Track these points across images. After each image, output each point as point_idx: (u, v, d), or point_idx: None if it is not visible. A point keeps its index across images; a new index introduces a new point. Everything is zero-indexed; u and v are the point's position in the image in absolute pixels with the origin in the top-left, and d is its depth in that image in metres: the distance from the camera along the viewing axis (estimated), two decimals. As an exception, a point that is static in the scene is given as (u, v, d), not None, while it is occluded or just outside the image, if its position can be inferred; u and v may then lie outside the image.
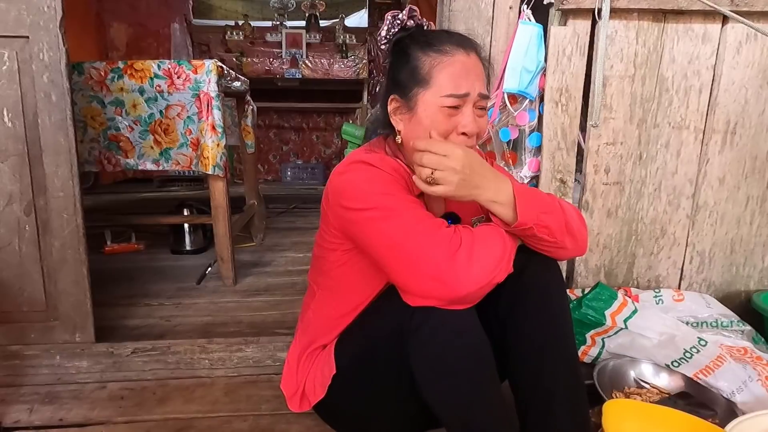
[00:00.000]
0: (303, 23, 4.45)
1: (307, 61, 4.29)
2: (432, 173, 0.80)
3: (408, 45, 0.91)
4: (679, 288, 1.49)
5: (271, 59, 4.29)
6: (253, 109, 2.37)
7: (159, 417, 1.14)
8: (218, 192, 1.81)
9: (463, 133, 0.87)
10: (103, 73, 1.68)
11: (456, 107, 0.86)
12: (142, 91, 1.71)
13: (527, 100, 1.36)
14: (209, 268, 2.02)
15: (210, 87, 1.71)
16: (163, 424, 1.12)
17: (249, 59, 4.25)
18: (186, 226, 2.26)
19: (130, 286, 1.85)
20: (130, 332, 1.48)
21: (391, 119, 0.93)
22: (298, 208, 3.29)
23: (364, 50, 4.47)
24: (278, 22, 4.45)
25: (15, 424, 1.11)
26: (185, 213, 2.20)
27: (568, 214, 0.89)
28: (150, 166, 1.79)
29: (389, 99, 0.92)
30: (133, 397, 1.22)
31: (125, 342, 1.35)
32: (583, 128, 1.41)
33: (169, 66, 1.69)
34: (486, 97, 0.89)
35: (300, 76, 4.27)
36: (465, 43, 0.89)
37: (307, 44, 4.35)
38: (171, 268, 2.08)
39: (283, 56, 4.31)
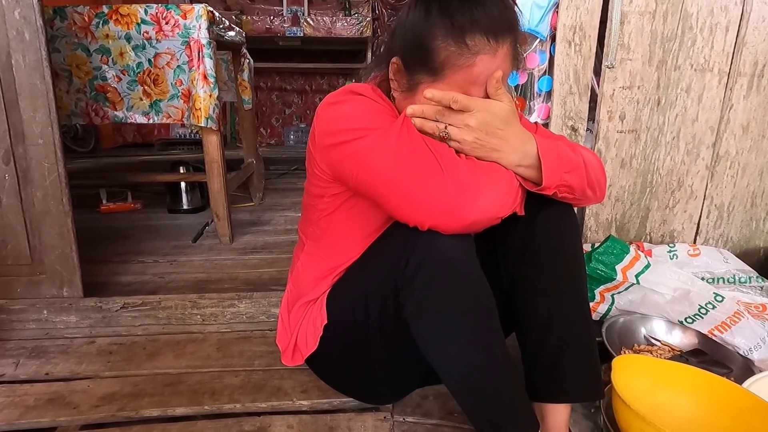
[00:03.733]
0: (305, -21, 4.28)
1: (308, 19, 4.14)
2: (446, 128, 0.72)
3: (431, 6, 0.73)
4: (694, 243, 1.42)
5: (272, 17, 4.14)
6: (249, 63, 2.26)
7: (148, 372, 1.11)
8: (212, 146, 1.73)
9: None
10: (87, 19, 1.58)
11: None
12: (129, 38, 1.62)
13: (537, 40, 1.26)
14: (206, 227, 1.97)
15: (201, 33, 1.61)
16: (152, 378, 1.08)
17: (249, 17, 4.11)
18: (183, 184, 2.19)
19: (124, 244, 1.80)
20: (122, 288, 1.43)
21: (389, 78, 0.81)
22: (300, 170, 3.21)
23: (368, 8, 4.30)
24: (279, -22, 4.28)
25: (0, 378, 1.08)
26: (181, 171, 2.13)
27: (590, 167, 0.82)
28: (140, 119, 1.71)
29: (392, 59, 0.79)
30: (123, 351, 1.18)
31: (114, 297, 1.30)
32: (597, 71, 1.31)
33: (157, 10, 1.59)
34: None
35: (301, 35, 4.12)
36: (498, 32, 0.71)
37: (309, 1, 4.20)
38: (167, 226, 2.03)
39: (284, 14, 4.17)
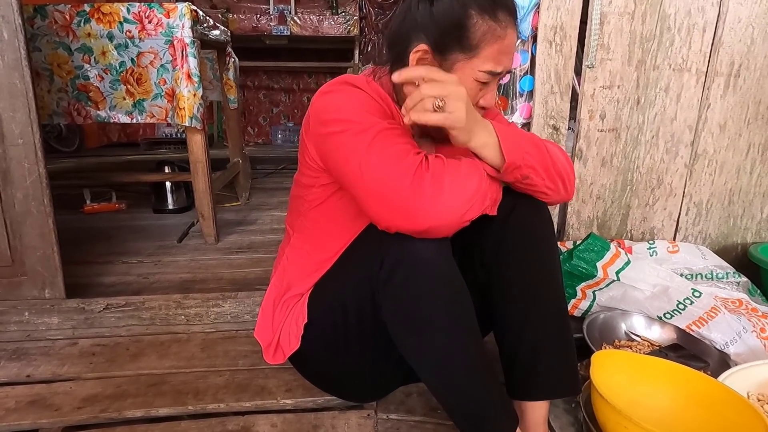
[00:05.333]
0: (291, -23, 4.26)
1: (295, 18, 4.13)
2: (441, 100, 0.71)
3: None
4: (674, 240, 1.44)
5: (258, 16, 4.13)
6: (234, 62, 2.26)
7: (131, 372, 1.10)
8: (196, 146, 1.72)
9: (482, 107, 0.83)
10: (68, 17, 1.57)
11: (486, 82, 0.80)
12: (111, 37, 1.60)
13: (519, 40, 1.27)
14: (191, 227, 1.96)
15: (184, 32, 1.61)
16: (135, 379, 1.08)
17: (235, 16, 4.09)
18: (168, 184, 2.18)
19: (108, 245, 1.79)
20: (105, 289, 1.42)
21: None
22: (287, 169, 3.20)
23: (356, 6, 4.31)
24: (265, -24, 4.26)
25: (-20, 380, 1.07)
26: (166, 171, 2.12)
27: (552, 154, 0.83)
28: (123, 118, 1.69)
29: (416, 46, 0.79)
30: (106, 353, 1.18)
31: (97, 298, 1.30)
32: (578, 71, 1.32)
33: (140, 9, 1.58)
34: (508, 72, 0.83)
35: (288, 34, 4.11)
36: (514, 10, 0.80)
37: (296, 0, 4.18)
38: (152, 227, 2.02)
39: (271, 12, 4.15)
